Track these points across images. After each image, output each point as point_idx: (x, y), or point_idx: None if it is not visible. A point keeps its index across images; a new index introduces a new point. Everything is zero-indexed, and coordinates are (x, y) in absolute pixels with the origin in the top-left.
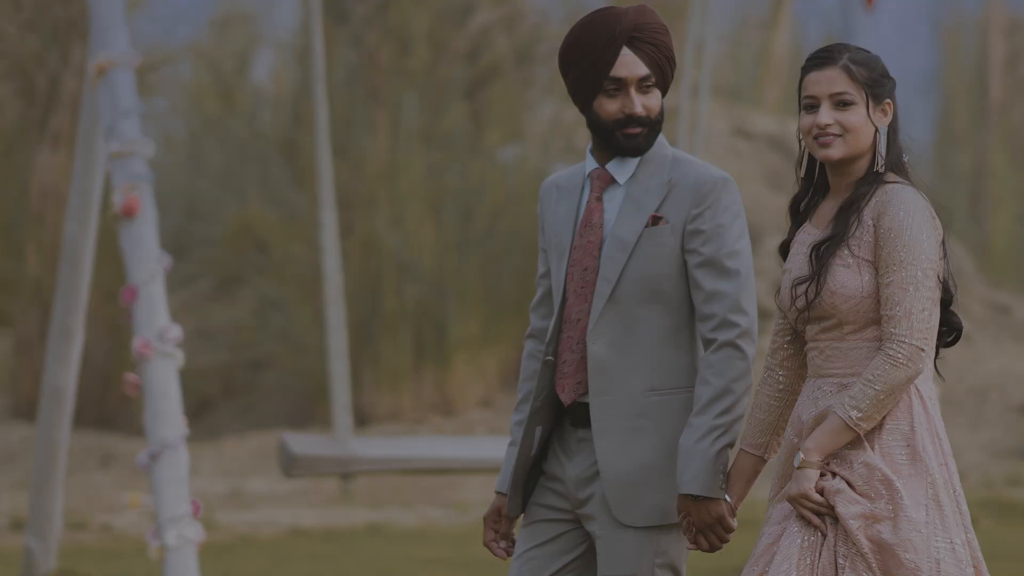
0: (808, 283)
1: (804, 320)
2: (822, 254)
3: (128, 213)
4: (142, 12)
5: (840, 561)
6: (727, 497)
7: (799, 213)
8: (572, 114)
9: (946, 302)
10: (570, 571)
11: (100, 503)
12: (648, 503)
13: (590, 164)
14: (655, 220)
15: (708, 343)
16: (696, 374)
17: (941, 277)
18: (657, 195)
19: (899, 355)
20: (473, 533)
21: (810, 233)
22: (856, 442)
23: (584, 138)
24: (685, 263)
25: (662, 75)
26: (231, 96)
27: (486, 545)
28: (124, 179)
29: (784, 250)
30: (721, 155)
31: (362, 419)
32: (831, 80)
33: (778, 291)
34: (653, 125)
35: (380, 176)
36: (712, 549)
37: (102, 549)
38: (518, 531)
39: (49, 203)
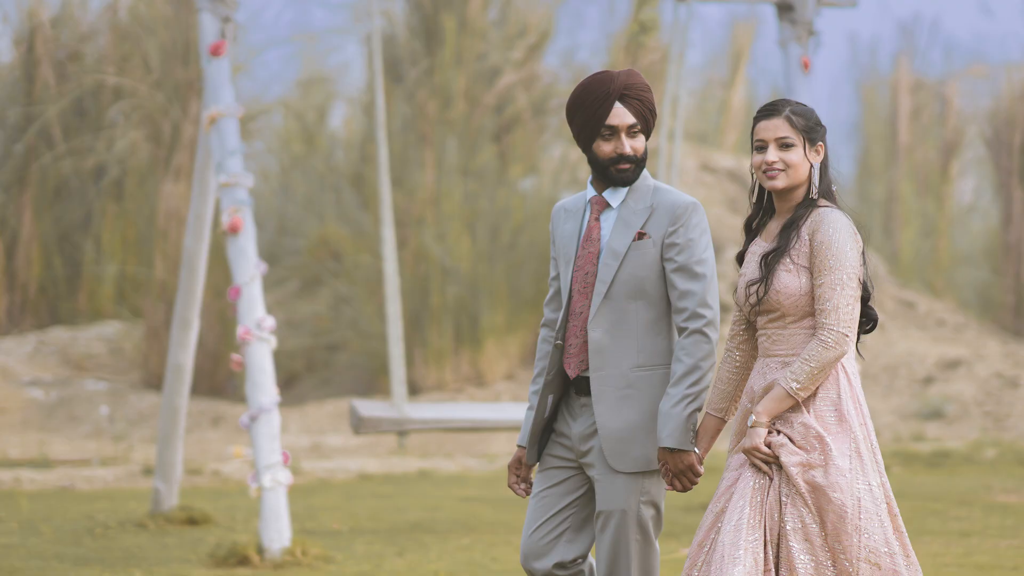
0: (759, 284)
1: (756, 313)
2: (769, 262)
3: (233, 230)
4: (244, 74)
5: (783, 499)
6: (696, 449)
7: (751, 230)
8: (576, 153)
9: (865, 298)
10: (575, 507)
11: (211, 454)
12: (635, 454)
13: (590, 192)
14: (640, 236)
15: (681, 330)
16: (672, 354)
17: (861, 279)
18: (642, 216)
19: (829, 339)
20: (499, 477)
21: (760, 245)
22: (796, 407)
23: (586, 172)
24: (664, 268)
25: (646, 123)
26: (313, 140)
27: (510, 487)
28: (230, 203)
29: (740, 258)
30: (691, 185)
31: (414, 389)
32: (776, 127)
33: (735, 290)
34: (639, 162)
35: (428, 201)
36: (684, 489)
37: (213, 490)
38: (535, 476)
39: (172, 223)
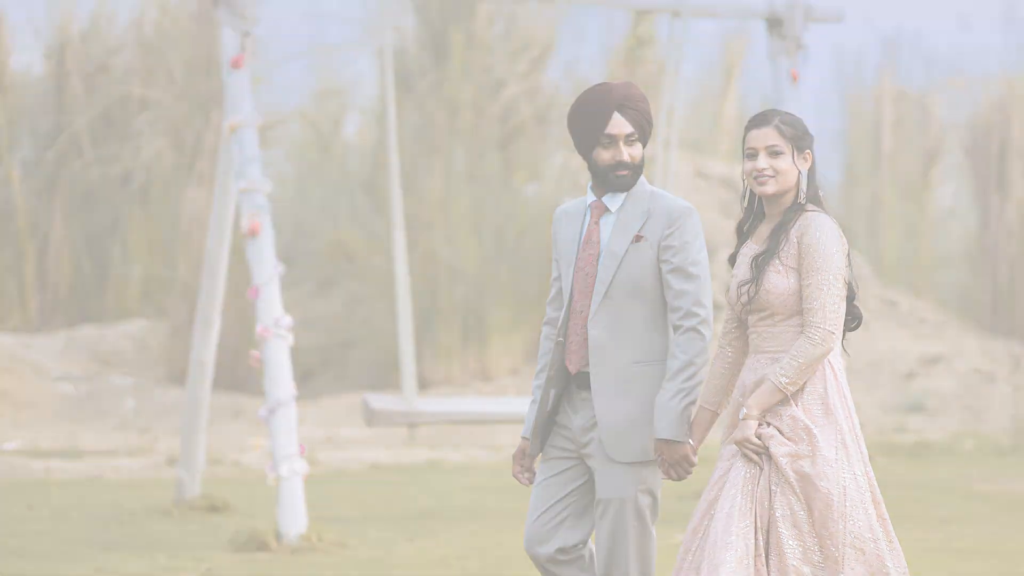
0: (750, 284)
1: (747, 311)
2: (760, 263)
3: (252, 233)
4: (263, 86)
5: (773, 488)
6: (690, 441)
7: (743, 233)
8: (577, 161)
9: (850, 298)
10: (576, 495)
11: (232, 445)
12: (633, 445)
13: (590, 197)
14: (638, 239)
15: (676, 328)
16: (668, 351)
17: (846, 280)
18: (639, 220)
19: (816, 337)
20: (504, 467)
21: (751, 248)
22: (785, 400)
23: (586, 178)
24: (660, 269)
25: (643, 132)
26: (328, 148)
27: (514, 476)
28: (249, 208)
29: (732, 260)
30: (686, 191)
31: (423, 384)
32: (766, 136)
33: (728, 290)
34: (636, 169)
35: (437, 206)
36: (679, 479)
37: (233, 479)
38: (538, 465)
39: (195, 226)
